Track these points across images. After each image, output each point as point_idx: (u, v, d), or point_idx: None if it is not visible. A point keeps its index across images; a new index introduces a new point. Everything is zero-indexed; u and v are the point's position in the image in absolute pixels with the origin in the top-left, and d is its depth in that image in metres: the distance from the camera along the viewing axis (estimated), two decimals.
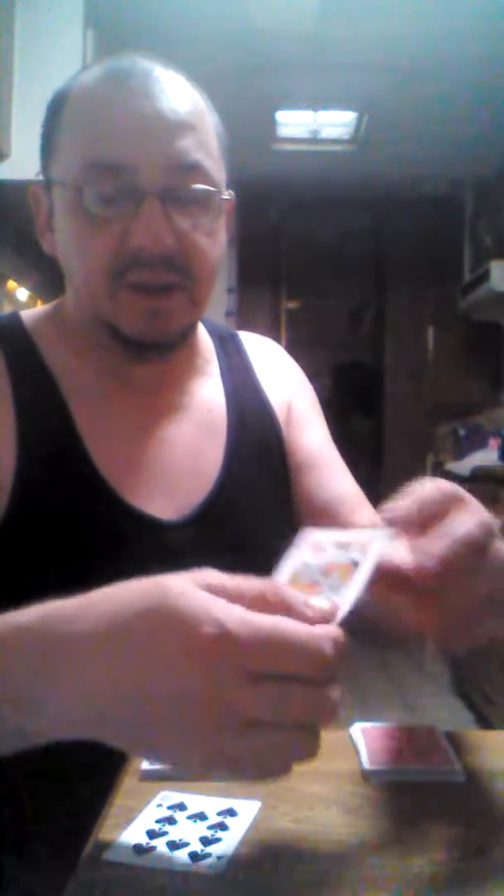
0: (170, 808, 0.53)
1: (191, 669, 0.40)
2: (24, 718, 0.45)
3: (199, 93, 0.77)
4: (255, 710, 0.40)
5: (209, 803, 0.53)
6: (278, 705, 0.40)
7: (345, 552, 0.49)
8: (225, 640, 0.39)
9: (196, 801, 0.53)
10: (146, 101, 0.71)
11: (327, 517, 0.88)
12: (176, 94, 0.73)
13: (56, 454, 0.75)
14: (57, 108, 0.76)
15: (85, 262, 0.74)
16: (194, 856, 0.47)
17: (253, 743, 0.40)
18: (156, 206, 0.70)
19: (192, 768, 0.43)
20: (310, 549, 0.50)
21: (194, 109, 0.74)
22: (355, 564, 0.48)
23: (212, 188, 0.74)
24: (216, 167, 0.76)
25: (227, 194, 0.78)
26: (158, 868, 0.46)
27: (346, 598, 0.44)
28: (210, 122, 0.77)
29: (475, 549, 0.50)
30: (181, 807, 0.53)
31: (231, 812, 0.52)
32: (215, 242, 0.77)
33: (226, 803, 0.53)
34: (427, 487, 0.53)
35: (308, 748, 0.41)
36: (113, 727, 0.43)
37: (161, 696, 0.41)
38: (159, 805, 0.53)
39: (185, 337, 0.81)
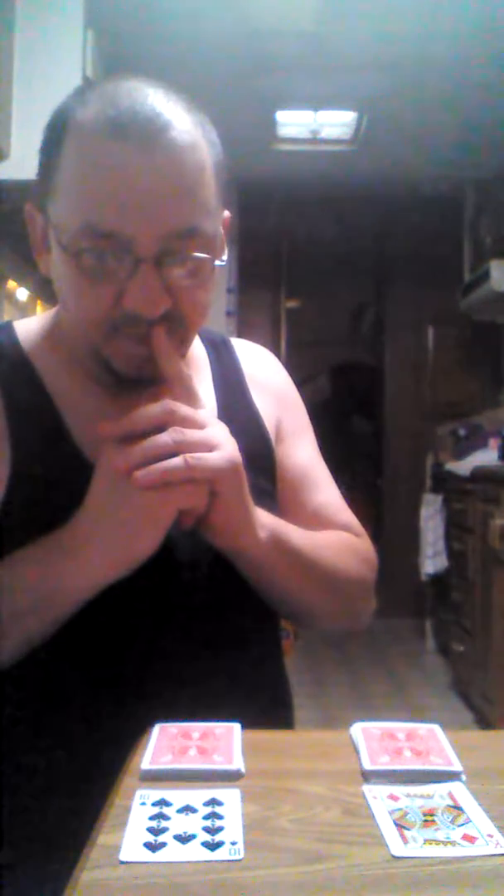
0: (154, 804, 0.53)
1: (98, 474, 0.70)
2: (51, 580, 0.69)
3: (198, 120, 0.74)
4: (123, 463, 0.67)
5: (191, 796, 0.54)
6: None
7: (427, 799, 0.54)
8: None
9: (176, 795, 0.54)
10: (144, 167, 0.69)
11: (310, 524, 0.90)
12: (177, 150, 0.71)
13: (50, 462, 0.78)
14: (55, 139, 0.74)
15: (79, 310, 0.74)
16: (209, 845, 0.47)
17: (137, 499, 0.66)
18: (150, 274, 0.70)
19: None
20: (389, 800, 0.54)
21: (195, 164, 0.72)
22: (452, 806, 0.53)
23: (206, 255, 0.73)
24: (214, 220, 0.75)
25: (221, 258, 0.77)
26: (177, 861, 0.46)
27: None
28: (210, 164, 0.74)
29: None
30: (165, 802, 0.53)
31: (216, 801, 0.53)
32: (209, 290, 0.77)
33: (206, 794, 0.54)
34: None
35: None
36: (100, 546, 0.68)
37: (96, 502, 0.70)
38: (143, 804, 0.53)
39: None
